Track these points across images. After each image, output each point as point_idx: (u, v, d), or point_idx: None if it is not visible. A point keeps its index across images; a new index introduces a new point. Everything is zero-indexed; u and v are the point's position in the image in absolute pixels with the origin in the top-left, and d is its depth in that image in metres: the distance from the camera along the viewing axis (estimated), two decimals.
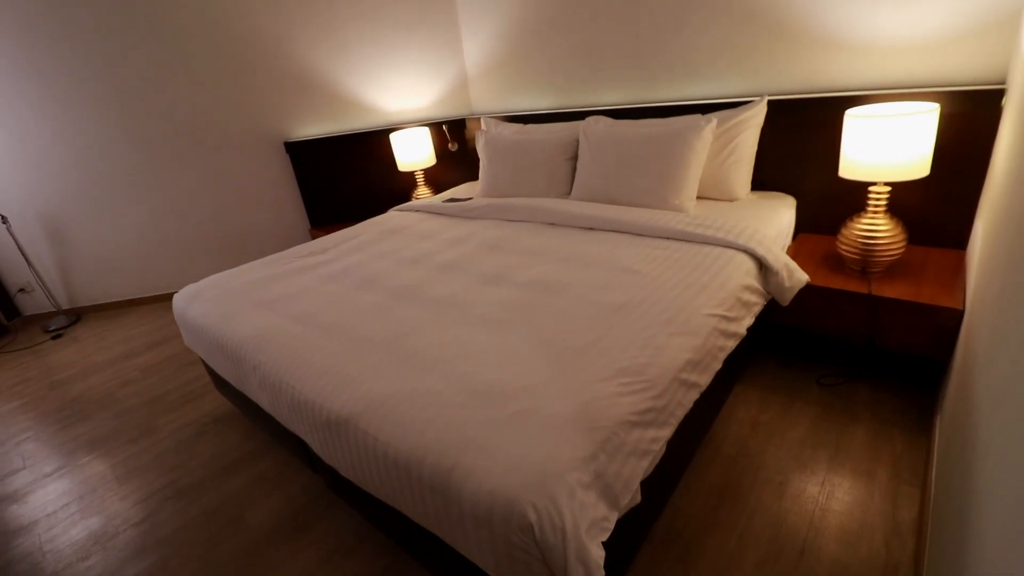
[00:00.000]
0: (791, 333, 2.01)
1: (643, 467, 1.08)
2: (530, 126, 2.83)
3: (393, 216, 2.72)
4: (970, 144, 1.73)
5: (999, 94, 1.64)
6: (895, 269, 1.81)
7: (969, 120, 1.71)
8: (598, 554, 0.93)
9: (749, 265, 1.67)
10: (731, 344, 1.48)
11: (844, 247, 1.82)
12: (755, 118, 2.11)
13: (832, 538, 1.34)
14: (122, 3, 2.91)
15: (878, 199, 1.74)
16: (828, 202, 2.10)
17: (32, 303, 3.72)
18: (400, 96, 3.34)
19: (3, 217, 3.28)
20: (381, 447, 1.10)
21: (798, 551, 1.32)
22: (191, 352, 2.87)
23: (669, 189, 2.09)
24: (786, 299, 1.77)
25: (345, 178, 3.43)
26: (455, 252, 2.05)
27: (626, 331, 1.30)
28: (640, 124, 2.31)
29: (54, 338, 3.39)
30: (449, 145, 3.36)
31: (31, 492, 1.97)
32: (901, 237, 1.74)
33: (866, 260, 1.77)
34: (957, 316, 1.55)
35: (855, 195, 1.92)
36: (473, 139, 3.31)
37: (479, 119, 3.21)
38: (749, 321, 1.60)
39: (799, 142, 2.10)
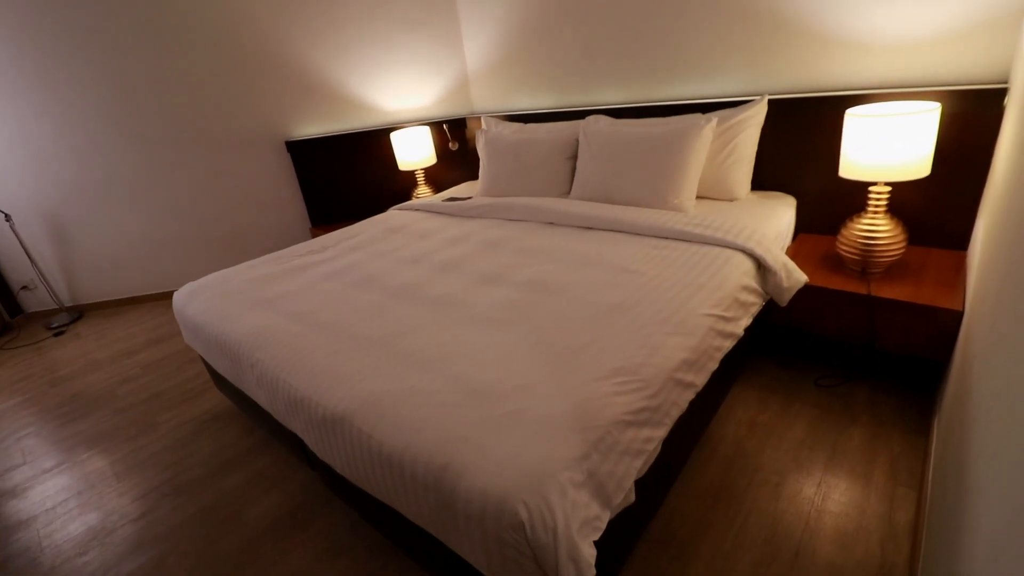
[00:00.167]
0: (790, 334, 2.00)
1: (636, 467, 1.08)
2: (530, 125, 2.82)
3: (393, 215, 2.72)
4: (971, 144, 1.71)
5: (1001, 93, 1.63)
6: (895, 270, 1.80)
7: (970, 120, 1.70)
8: (589, 553, 0.93)
9: (747, 265, 1.67)
10: (728, 344, 1.48)
11: (844, 247, 1.81)
12: (755, 117, 2.10)
13: (827, 540, 1.33)
14: (124, 4, 2.93)
15: (878, 199, 1.73)
16: (828, 202, 2.09)
17: (35, 300, 3.75)
18: (401, 95, 3.34)
19: (6, 215, 3.30)
20: (375, 445, 1.10)
21: (793, 553, 1.32)
22: (191, 350, 2.88)
23: (669, 188, 2.08)
24: (784, 299, 1.76)
25: (346, 177, 3.43)
26: (454, 251, 2.05)
27: (622, 331, 1.30)
28: (640, 123, 2.30)
29: (56, 335, 3.41)
30: (449, 144, 3.36)
31: (31, 487, 1.98)
32: (901, 237, 1.73)
33: (866, 260, 1.76)
34: (956, 317, 1.54)
35: (855, 195, 1.91)
36: (473, 138, 3.30)
37: (479, 118, 3.21)
38: (746, 321, 1.59)
39: (799, 142, 2.09)
